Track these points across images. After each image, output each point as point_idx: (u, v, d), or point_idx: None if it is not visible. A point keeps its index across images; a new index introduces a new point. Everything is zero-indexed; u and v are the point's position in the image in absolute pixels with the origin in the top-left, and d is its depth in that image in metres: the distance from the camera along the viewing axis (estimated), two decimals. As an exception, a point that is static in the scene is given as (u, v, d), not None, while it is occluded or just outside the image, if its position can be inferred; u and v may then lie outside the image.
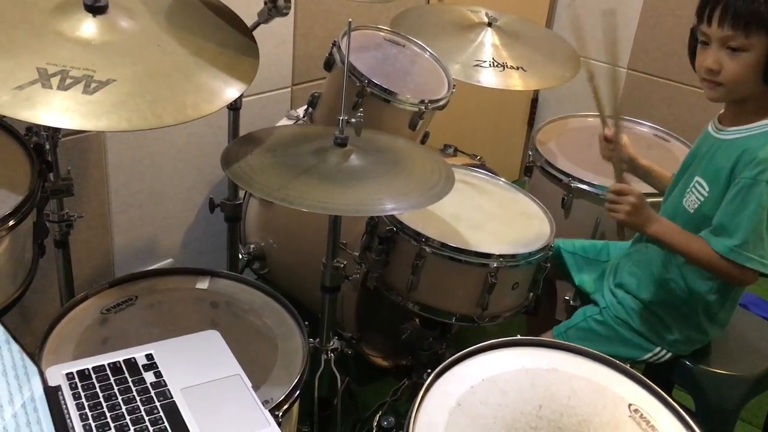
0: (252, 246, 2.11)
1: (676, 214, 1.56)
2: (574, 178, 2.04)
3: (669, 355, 1.63)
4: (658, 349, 1.62)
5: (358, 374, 1.84)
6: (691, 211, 1.52)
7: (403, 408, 1.96)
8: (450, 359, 1.17)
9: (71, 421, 1.00)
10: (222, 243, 2.03)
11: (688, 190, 1.54)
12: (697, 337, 1.62)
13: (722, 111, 1.55)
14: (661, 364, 1.65)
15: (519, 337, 1.24)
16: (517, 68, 2.10)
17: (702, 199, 1.51)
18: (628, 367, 1.20)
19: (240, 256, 2.08)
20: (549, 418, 1.10)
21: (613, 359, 1.21)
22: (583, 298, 1.84)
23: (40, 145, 1.40)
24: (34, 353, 1.26)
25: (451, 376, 1.15)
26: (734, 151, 1.44)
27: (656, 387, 1.17)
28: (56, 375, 1.07)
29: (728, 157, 1.45)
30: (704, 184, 1.50)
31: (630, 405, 1.14)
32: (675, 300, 1.59)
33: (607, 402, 1.14)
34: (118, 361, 1.11)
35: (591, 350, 1.23)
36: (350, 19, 1.41)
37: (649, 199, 1.54)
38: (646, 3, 2.99)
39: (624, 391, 1.16)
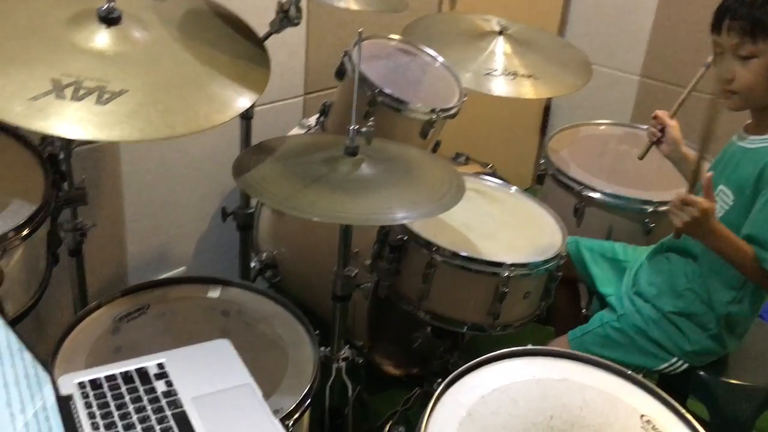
0: (264, 254, 2.11)
1: None
2: (587, 187, 2.03)
3: (685, 366, 1.61)
4: (675, 359, 1.61)
5: (369, 383, 1.83)
6: (720, 214, 1.51)
7: (414, 417, 1.95)
8: (460, 369, 1.16)
9: (83, 431, 1.00)
10: (234, 251, 2.03)
11: None
12: (714, 349, 1.60)
13: (749, 121, 1.55)
14: (675, 375, 1.64)
15: (530, 346, 1.23)
16: (529, 76, 2.09)
17: (727, 207, 1.51)
18: (640, 377, 1.19)
19: (252, 265, 2.08)
20: (560, 428, 1.09)
21: (626, 370, 1.20)
22: (599, 299, 1.82)
23: (53, 155, 1.42)
24: (47, 361, 1.27)
25: (462, 385, 1.15)
26: (759, 161, 1.45)
27: (669, 398, 1.16)
28: (68, 384, 1.07)
29: (753, 166, 1.45)
30: (729, 192, 1.51)
31: (642, 416, 1.13)
32: (696, 311, 1.58)
33: (619, 413, 1.13)
34: (130, 371, 1.11)
35: (603, 360, 1.22)
36: (361, 29, 1.41)
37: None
38: (659, 11, 2.98)
39: (636, 402, 1.15)
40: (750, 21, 1.38)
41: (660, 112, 1.75)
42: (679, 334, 1.60)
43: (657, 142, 1.74)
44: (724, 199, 1.52)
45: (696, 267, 1.58)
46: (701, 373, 1.63)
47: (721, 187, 1.53)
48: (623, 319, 1.66)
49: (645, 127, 2.37)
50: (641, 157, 1.79)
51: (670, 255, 1.64)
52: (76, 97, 1.17)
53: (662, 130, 1.73)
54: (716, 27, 1.45)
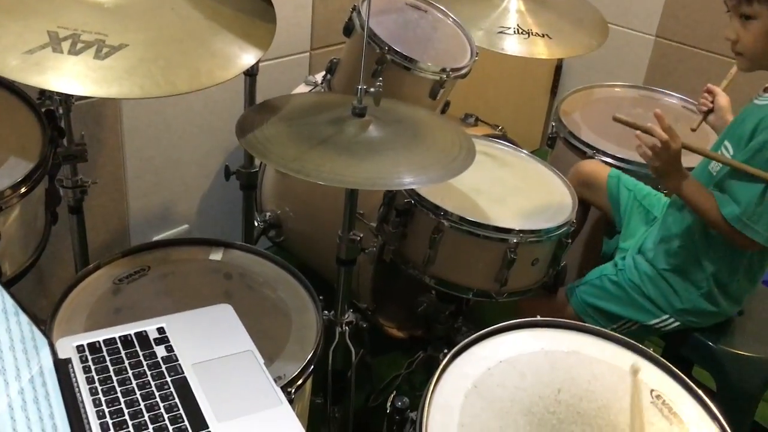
0: (268, 214, 2.08)
1: (701, 177, 1.57)
2: (599, 151, 1.98)
3: (677, 324, 1.62)
4: (666, 316, 1.63)
5: (372, 345, 1.82)
6: (714, 173, 1.53)
7: (417, 380, 1.95)
8: (467, 340, 1.14)
9: (81, 395, 0.98)
10: (238, 210, 2.01)
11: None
12: (707, 309, 1.60)
13: None
14: (673, 336, 1.66)
15: (539, 318, 1.20)
16: (543, 35, 2.03)
17: None
18: (651, 351, 1.17)
19: (256, 224, 2.06)
20: (568, 402, 1.07)
21: (637, 344, 1.18)
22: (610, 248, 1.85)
23: (51, 111, 1.38)
24: (47, 321, 1.25)
25: (468, 356, 1.12)
26: (757, 116, 1.45)
27: (679, 372, 1.14)
28: (66, 347, 1.06)
29: (751, 121, 1.46)
30: (730, 147, 1.51)
31: (652, 391, 1.11)
32: (688, 268, 1.59)
33: (629, 387, 1.11)
34: (129, 335, 1.09)
35: (613, 333, 1.20)
36: (371, -16, 1.36)
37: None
38: (677, -32, 2.88)
39: (646, 376, 1.13)
40: None
41: (711, 86, 1.79)
42: (671, 291, 1.61)
43: (708, 113, 1.78)
44: (725, 155, 1.51)
45: (690, 224, 1.58)
46: (709, 343, 1.61)
47: (725, 142, 1.53)
48: (621, 273, 1.69)
49: (660, 89, 2.34)
50: (695, 129, 1.80)
51: (669, 212, 1.66)
52: (74, 51, 1.13)
53: (712, 101, 1.78)
54: None
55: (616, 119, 1.54)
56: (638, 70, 3.08)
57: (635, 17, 3.04)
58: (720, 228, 1.48)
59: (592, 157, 1.98)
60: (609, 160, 1.97)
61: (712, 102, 1.77)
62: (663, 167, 1.50)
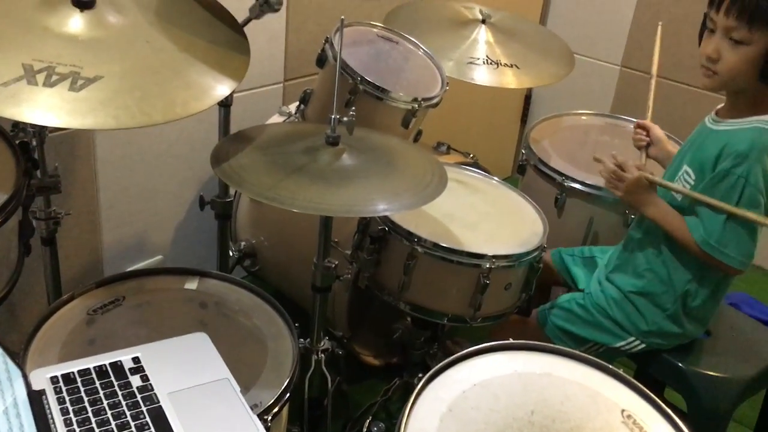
0: (243, 243, 2.09)
1: (666, 200, 1.59)
2: (568, 178, 2.02)
3: (642, 345, 1.65)
4: (632, 338, 1.65)
5: (348, 373, 1.82)
6: (679, 199, 1.56)
7: (394, 407, 1.95)
8: (441, 363, 1.15)
9: (55, 427, 0.98)
10: (213, 240, 2.00)
11: (676, 178, 1.57)
12: (671, 330, 1.62)
13: (722, 104, 1.56)
14: (644, 358, 1.68)
15: (512, 340, 1.22)
16: (511, 66, 2.08)
17: (688, 187, 1.53)
18: (621, 372, 1.19)
19: (231, 254, 2.06)
20: (541, 423, 1.09)
21: (607, 364, 1.20)
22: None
23: (25, 143, 1.38)
24: (20, 354, 1.24)
25: (443, 380, 1.14)
26: (720, 142, 1.47)
27: (650, 392, 1.16)
28: (40, 379, 1.05)
29: (714, 147, 1.48)
30: (691, 172, 1.53)
31: (623, 411, 1.13)
32: (654, 290, 1.61)
33: (600, 407, 1.13)
34: (104, 365, 1.09)
35: (585, 355, 1.22)
36: (342, 16, 1.39)
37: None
38: (640, 0, 2.97)
39: (617, 397, 1.15)
40: (751, 7, 1.36)
41: (641, 121, 1.82)
42: (636, 313, 1.64)
43: (647, 147, 1.80)
44: (686, 179, 1.54)
45: (658, 246, 1.61)
46: (679, 364, 1.64)
47: (684, 167, 1.55)
48: (588, 297, 1.72)
49: (626, 117, 2.40)
50: (642, 166, 1.80)
51: (634, 235, 1.68)
52: (49, 83, 1.14)
53: (648, 135, 1.80)
54: (716, 3, 1.43)
55: (597, 159, 1.69)
56: (605, 98, 3.15)
57: (601, 48, 3.12)
58: (695, 253, 1.51)
59: (561, 184, 2.02)
60: (579, 186, 2.01)
61: (647, 136, 1.79)
62: (626, 197, 1.60)
